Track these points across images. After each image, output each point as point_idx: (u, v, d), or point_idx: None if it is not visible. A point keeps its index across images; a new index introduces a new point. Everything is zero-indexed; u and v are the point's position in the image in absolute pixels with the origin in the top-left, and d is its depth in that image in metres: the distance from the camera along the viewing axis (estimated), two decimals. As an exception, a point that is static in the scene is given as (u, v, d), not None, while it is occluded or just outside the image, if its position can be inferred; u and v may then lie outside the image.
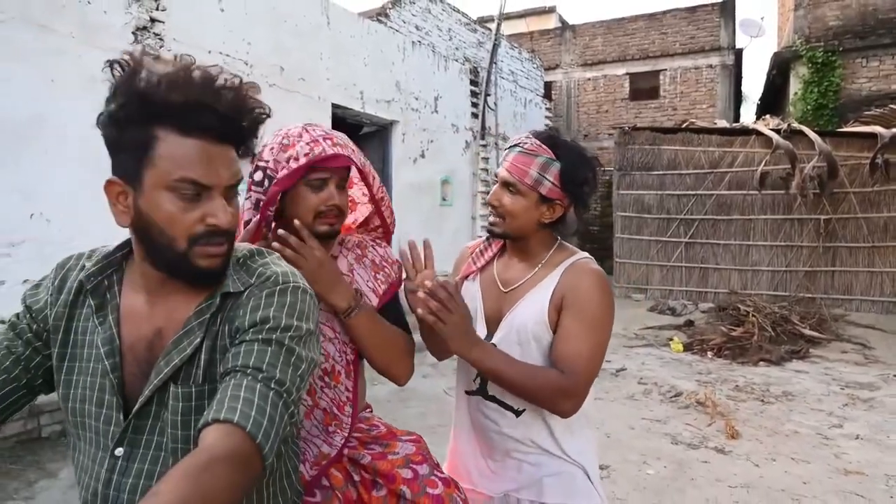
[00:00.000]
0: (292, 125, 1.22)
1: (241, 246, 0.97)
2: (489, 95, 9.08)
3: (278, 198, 1.17)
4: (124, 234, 0.90)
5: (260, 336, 0.82)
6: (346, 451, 1.21)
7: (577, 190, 1.32)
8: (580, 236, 11.83)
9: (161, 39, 4.42)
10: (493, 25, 9.42)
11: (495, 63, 9.24)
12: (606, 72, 14.76)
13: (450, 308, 1.20)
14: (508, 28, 13.64)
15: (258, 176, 1.17)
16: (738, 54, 13.92)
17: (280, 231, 1.15)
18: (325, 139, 1.18)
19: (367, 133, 7.46)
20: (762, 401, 4.71)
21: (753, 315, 7.03)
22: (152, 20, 4.36)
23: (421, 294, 1.22)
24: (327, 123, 6.04)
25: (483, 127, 9.00)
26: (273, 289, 0.87)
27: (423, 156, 7.77)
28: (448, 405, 4.55)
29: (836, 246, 8.55)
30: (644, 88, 14.42)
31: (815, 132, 8.27)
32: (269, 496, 0.94)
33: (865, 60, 10.74)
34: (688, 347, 6.54)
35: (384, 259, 1.33)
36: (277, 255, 0.98)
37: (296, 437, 1.05)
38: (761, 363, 5.92)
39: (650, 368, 5.74)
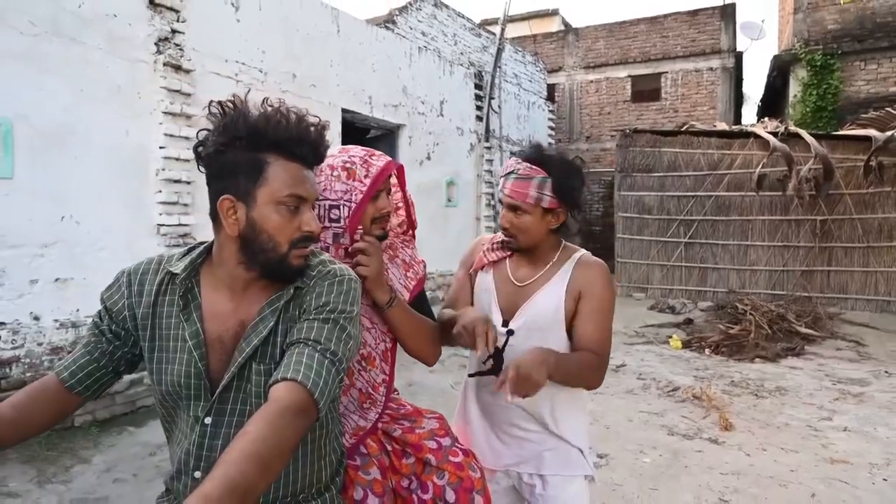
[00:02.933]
0: (331, 159, 1.38)
1: None
2: (493, 99, 9.26)
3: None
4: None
5: (321, 316, 1.05)
6: (380, 424, 1.42)
7: (571, 197, 1.53)
8: (583, 236, 12.00)
9: (181, 49, 4.63)
10: (496, 29, 9.59)
11: (499, 67, 9.41)
12: (608, 74, 14.94)
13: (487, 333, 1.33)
14: (512, 31, 13.81)
15: (334, 214, 1.34)
16: (739, 57, 14.07)
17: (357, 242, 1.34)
18: (370, 156, 1.39)
19: (375, 136, 7.67)
20: (756, 395, 4.90)
21: (751, 313, 7.20)
22: (173, 31, 4.57)
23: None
24: (337, 128, 6.25)
25: (487, 129, 9.18)
26: (333, 280, 1.11)
27: (428, 158, 7.96)
28: (454, 399, 4.75)
29: (831, 246, 8.73)
30: (646, 91, 14.60)
31: (812, 135, 8.43)
32: (328, 452, 1.18)
33: (864, 63, 10.90)
34: (686, 345, 6.72)
35: (412, 258, 1.55)
36: (327, 255, 1.19)
37: (337, 411, 1.26)
38: (757, 360, 6.09)
39: (649, 364, 5.92)
